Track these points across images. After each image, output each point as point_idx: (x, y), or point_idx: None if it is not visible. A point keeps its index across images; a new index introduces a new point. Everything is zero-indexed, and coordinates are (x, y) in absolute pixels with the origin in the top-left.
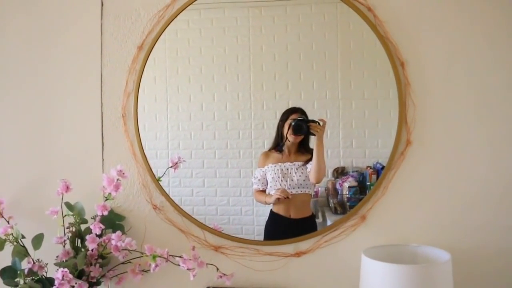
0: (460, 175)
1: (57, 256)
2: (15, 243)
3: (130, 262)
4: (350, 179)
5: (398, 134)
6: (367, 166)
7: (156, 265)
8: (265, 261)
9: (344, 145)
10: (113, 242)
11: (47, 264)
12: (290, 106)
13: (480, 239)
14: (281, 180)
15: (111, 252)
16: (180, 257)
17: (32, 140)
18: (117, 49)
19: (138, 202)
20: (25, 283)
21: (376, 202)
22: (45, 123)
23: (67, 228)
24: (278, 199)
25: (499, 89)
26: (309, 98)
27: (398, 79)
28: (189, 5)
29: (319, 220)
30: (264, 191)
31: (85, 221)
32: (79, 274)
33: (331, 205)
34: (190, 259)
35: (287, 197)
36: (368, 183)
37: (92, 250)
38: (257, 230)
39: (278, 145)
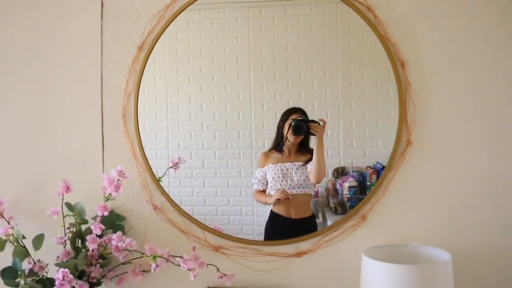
0: (460, 175)
1: (57, 257)
2: (15, 244)
3: (130, 262)
4: (350, 179)
5: (398, 134)
6: (367, 166)
7: (157, 266)
8: (266, 261)
9: (344, 145)
10: (113, 242)
11: (47, 264)
12: (290, 106)
13: (481, 239)
14: (281, 180)
15: (111, 253)
16: (180, 257)
17: (33, 141)
18: (117, 49)
19: (139, 203)
20: (25, 283)
21: (377, 202)
22: (46, 124)
23: (67, 229)
24: (278, 199)
25: (499, 89)
26: (309, 98)
27: (398, 79)
28: (189, 5)
29: (319, 220)
30: (264, 191)
31: (86, 222)
32: (80, 275)
33: (332, 205)
34: (191, 260)
35: (287, 198)
36: (368, 183)
37: (92, 250)
38: (258, 230)
39: (278, 145)
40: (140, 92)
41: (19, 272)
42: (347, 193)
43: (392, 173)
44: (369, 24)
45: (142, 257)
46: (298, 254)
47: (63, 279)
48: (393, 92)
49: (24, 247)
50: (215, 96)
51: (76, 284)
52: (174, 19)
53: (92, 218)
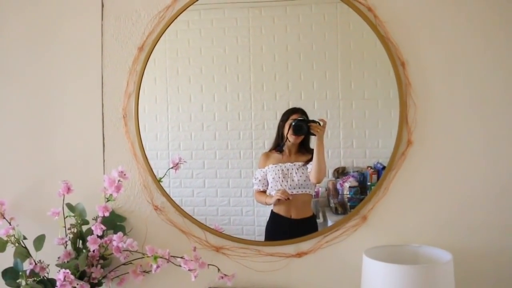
0: (461, 175)
1: (58, 257)
2: (16, 244)
3: (131, 263)
4: (351, 179)
5: (399, 134)
6: (368, 166)
7: (158, 266)
8: (266, 261)
9: (344, 145)
10: (114, 243)
11: (48, 265)
12: (290, 107)
13: (481, 239)
14: (282, 181)
15: (112, 253)
16: (181, 258)
17: (34, 141)
18: (117, 50)
19: (139, 203)
20: (27, 284)
21: (377, 202)
22: (46, 124)
23: (68, 229)
24: (279, 200)
25: (500, 89)
26: (309, 98)
27: (399, 79)
28: (189, 6)
29: (320, 220)
30: (264, 191)
31: (87, 222)
32: (81, 275)
33: (332, 205)
34: (192, 260)
35: (288, 198)
36: (368, 183)
37: (93, 251)
38: (258, 231)
39: (278, 145)
40: (140, 92)
41: (20, 273)
42: (348, 193)
43: (393, 173)
44: (369, 24)
45: (143, 257)
46: (299, 255)
47: (64, 280)
48: (393, 92)
49: (25, 247)
50: (216, 96)
51: (77, 284)
52: (174, 19)
53: (93, 219)
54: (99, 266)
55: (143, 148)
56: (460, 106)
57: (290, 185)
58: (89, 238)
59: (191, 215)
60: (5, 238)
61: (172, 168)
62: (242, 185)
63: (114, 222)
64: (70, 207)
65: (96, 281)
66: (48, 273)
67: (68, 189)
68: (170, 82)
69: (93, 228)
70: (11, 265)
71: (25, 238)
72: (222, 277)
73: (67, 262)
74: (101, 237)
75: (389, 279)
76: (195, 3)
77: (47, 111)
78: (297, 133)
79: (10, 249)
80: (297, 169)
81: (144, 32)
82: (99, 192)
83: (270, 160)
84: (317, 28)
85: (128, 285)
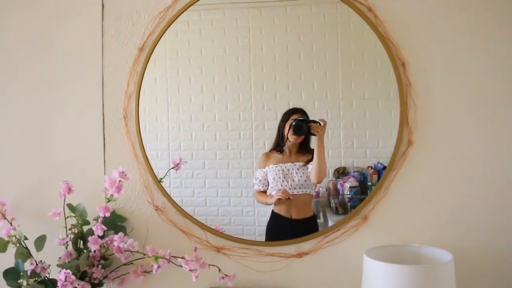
0: (461, 175)
1: (59, 258)
2: (17, 245)
3: (132, 263)
4: (351, 179)
5: (399, 134)
6: (368, 166)
7: (158, 266)
8: (267, 262)
9: (345, 145)
10: (115, 243)
11: (49, 265)
12: (290, 107)
13: (482, 239)
14: (282, 181)
15: (113, 254)
16: (182, 258)
17: (34, 142)
18: (118, 50)
19: (140, 204)
20: (28, 284)
21: (378, 202)
22: (47, 125)
23: (69, 230)
24: (279, 199)
25: (500, 89)
26: (309, 98)
27: (399, 79)
28: (189, 6)
29: (320, 220)
30: (265, 192)
31: (87, 223)
32: (82, 276)
33: (333, 205)
34: (192, 260)
35: (288, 198)
36: (369, 183)
37: (94, 251)
38: (259, 231)
39: (279, 145)
40: (141, 93)
41: (21, 273)
42: (348, 193)
43: (394, 173)
44: (369, 24)
45: (144, 258)
46: (300, 255)
47: (65, 280)
48: (394, 92)
49: (26, 248)
50: (216, 96)
51: (78, 285)
52: (174, 20)
53: (93, 219)
54: (100, 266)
55: (143, 149)
56: (460, 106)
57: (291, 185)
58: (90, 238)
59: (192, 216)
60: (6, 239)
61: (172, 168)
62: (242, 185)
63: (115, 222)
64: (71, 207)
65: (97, 281)
66: (49, 274)
67: (69, 190)
68: (171, 82)
69: (94, 228)
70: (12, 265)
71: (26, 238)
72: (223, 277)
73: (68, 262)
74: (102, 237)
75: (389, 279)
76: (195, 4)
77: (48, 111)
78: (298, 133)
79: (11, 250)
80: (298, 169)
81: (145, 33)
82: (100, 193)
83: (270, 160)
84: (317, 28)
85: (129, 285)
